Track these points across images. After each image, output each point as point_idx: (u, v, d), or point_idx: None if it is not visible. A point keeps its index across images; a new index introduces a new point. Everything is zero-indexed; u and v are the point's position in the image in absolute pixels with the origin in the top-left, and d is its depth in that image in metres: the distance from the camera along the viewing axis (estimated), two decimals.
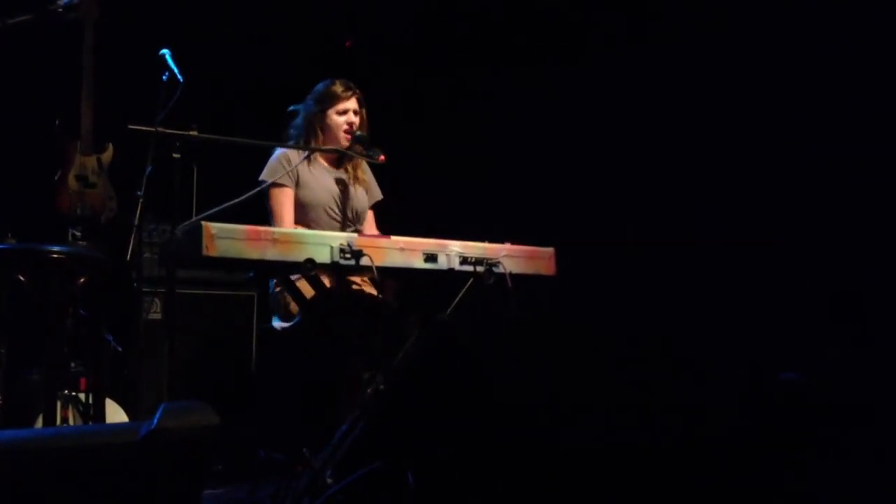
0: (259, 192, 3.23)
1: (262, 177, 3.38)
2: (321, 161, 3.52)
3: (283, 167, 3.37)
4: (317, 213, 3.42)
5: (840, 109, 3.47)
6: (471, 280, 2.99)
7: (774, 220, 3.62)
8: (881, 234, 3.35)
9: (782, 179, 3.63)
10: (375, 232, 3.53)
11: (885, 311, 3.29)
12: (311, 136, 3.44)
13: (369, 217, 3.63)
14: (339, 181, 3.50)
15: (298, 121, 3.49)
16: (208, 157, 3.62)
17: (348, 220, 3.48)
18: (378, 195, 3.64)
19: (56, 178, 3.62)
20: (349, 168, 3.54)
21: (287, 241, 2.72)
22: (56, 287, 2.91)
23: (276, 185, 3.37)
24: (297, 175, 3.41)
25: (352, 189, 3.51)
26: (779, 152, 3.65)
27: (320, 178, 3.47)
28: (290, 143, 3.47)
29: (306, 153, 3.42)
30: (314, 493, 2.59)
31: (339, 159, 3.54)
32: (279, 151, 3.44)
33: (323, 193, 3.44)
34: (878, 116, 3.39)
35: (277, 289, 3.36)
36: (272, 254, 2.68)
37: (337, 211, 3.46)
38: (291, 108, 3.52)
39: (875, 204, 3.37)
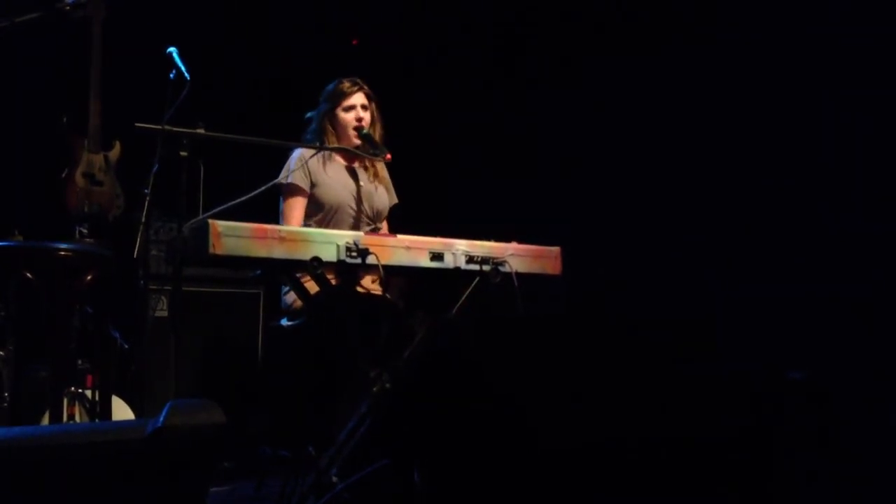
0: (267, 189, 3.22)
1: (280, 178, 3.35)
2: (338, 158, 3.51)
3: (299, 167, 3.36)
4: (338, 214, 3.39)
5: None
6: (477, 279, 2.99)
7: (779, 214, 3.61)
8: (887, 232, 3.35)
9: (788, 175, 3.62)
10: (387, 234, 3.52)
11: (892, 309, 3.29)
12: (325, 136, 3.43)
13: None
14: (357, 177, 3.49)
15: (313, 124, 3.48)
16: (215, 155, 3.62)
17: (368, 219, 3.45)
18: (395, 199, 3.60)
19: (63, 175, 3.62)
20: (368, 164, 3.52)
21: (294, 239, 2.73)
22: (63, 284, 2.92)
23: (290, 186, 3.36)
24: (315, 176, 3.39)
25: (372, 187, 3.50)
26: (786, 148, 3.64)
27: (339, 177, 3.44)
28: (305, 140, 3.46)
29: (316, 151, 3.41)
30: (320, 492, 2.60)
31: (352, 156, 3.53)
32: (297, 153, 3.43)
33: (343, 191, 3.42)
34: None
35: (287, 289, 3.36)
36: (279, 252, 2.68)
37: (357, 209, 3.43)
38: (308, 115, 3.51)
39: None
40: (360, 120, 3.42)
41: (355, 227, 3.39)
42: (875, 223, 3.36)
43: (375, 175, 3.52)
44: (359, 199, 3.44)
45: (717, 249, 3.73)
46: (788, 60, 3.62)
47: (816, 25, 3.52)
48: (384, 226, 3.59)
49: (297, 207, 3.36)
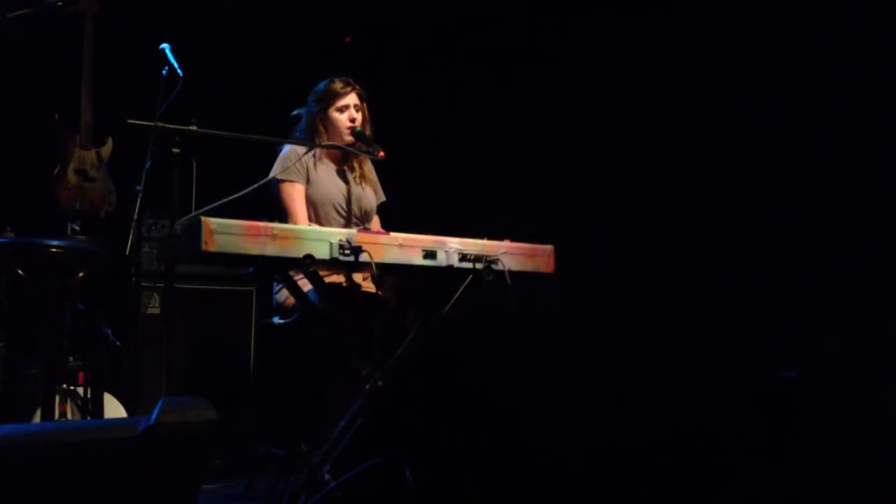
0: (260, 187, 3.21)
1: (273, 173, 3.35)
2: (327, 160, 3.51)
3: (294, 161, 3.36)
4: (326, 211, 3.39)
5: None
6: (470, 277, 2.99)
7: (775, 213, 3.62)
8: (883, 229, 3.35)
9: (782, 172, 3.63)
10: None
11: (886, 306, 3.30)
12: (315, 136, 3.42)
13: (375, 218, 3.61)
14: (346, 179, 3.49)
15: (302, 123, 3.47)
16: (208, 151, 3.61)
17: (356, 219, 3.46)
18: (382, 197, 3.63)
19: (55, 172, 3.61)
20: (355, 165, 3.53)
21: (286, 236, 2.72)
22: (54, 281, 2.90)
23: (286, 181, 3.36)
24: (307, 172, 3.40)
25: (360, 187, 3.50)
26: (777, 144, 3.65)
27: (329, 178, 3.45)
28: (295, 137, 3.46)
29: (309, 149, 3.41)
30: (312, 489, 2.60)
31: (343, 156, 3.53)
32: (288, 148, 3.42)
33: (333, 190, 3.42)
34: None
35: (278, 287, 3.35)
36: (271, 249, 2.67)
37: (346, 208, 3.44)
38: (295, 112, 3.51)
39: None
40: (353, 120, 3.42)
41: (345, 227, 3.39)
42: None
43: (363, 176, 3.52)
44: (348, 200, 3.44)
45: (714, 250, 3.73)
46: (789, 56, 3.62)
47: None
48: (376, 223, 3.59)
49: (298, 199, 3.35)
